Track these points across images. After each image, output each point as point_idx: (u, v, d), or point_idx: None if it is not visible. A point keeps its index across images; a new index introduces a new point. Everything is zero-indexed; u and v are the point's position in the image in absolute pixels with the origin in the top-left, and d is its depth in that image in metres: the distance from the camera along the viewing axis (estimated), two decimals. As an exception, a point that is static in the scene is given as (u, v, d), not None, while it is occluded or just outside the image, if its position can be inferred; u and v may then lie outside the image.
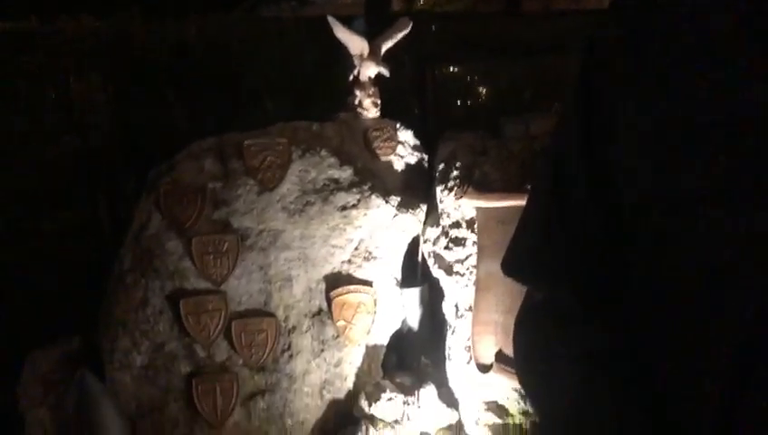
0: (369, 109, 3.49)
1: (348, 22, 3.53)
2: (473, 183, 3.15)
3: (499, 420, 3.01)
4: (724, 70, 0.66)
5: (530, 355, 0.92)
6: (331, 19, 3.33)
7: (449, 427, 3.19)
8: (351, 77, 3.50)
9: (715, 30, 0.68)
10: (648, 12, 0.76)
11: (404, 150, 3.55)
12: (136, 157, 3.57)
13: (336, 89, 4.37)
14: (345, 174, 3.30)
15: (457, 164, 3.24)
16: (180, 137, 3.31)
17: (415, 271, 3.67)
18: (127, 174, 3.52)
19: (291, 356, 3.20)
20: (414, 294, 3.57)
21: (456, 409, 3.22)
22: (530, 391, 0.93)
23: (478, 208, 3.12)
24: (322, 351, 3.26)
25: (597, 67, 0.79)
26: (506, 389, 3.02)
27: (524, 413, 2.99)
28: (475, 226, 3.14)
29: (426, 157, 3.61)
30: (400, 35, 3.47)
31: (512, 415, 3.01)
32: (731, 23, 0.67)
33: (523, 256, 0.96)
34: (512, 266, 0.96)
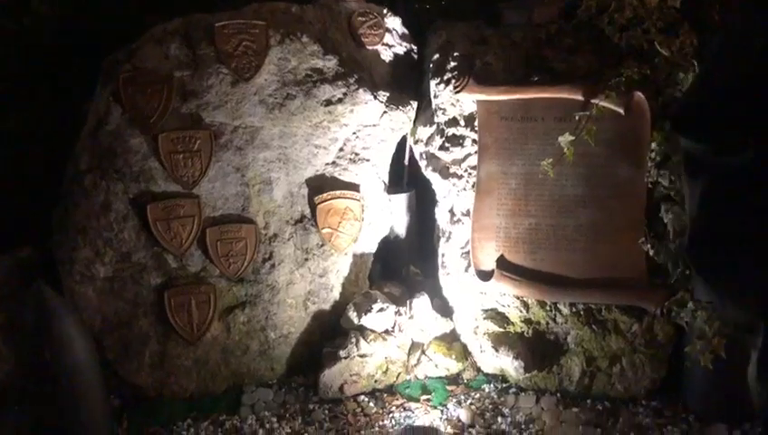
0: (354, -9, 3.14)
1: None
2: (473, 75, 2.88)
3: (499, 329, 2.88)
4: None
5: None
6: None
7: (443, 336, 3.06)
8: (333, -47, 3.13)
9: None
10: None
11: (392, 39, 3.24)
12: (89, 43, 3.14)
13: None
14: (329, 64, 2.98)
15: (455, 54, 2.96)
16: (139, 18, 2.91)
17: (401, 175, 3.45)
18: (80, 63, 3.10)
19: (272, 266, 2.98)
20: (401, 200, 3.36)
21: (450, 318, 3.08)
22: None
23: (479, 102, 2.88)
24: (306, 260, 3.04)
25: None
26: (508, 296, 2.88)
27: (526, 321, 2.87)
28: (476, 122, 2.90)
29: (415, 48, 3.31)
30: None
31: (513, 323, 2.88)
32: None
33: None
34: None
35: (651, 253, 2.71)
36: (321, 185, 3.04)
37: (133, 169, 2.75)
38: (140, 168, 2.75)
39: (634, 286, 2.74)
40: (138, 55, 2.76)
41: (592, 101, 2.75)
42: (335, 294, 3.12)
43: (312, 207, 3.02)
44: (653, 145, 2.74)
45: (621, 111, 2.75)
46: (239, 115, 2.86)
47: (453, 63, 2.96)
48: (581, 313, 2.82)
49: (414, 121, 3.21)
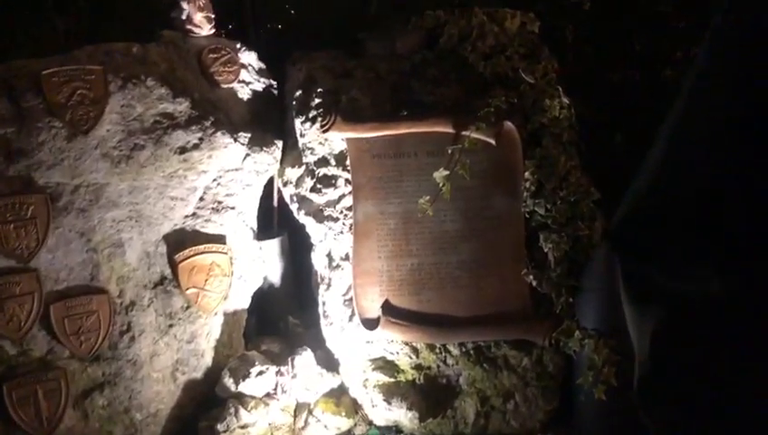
0: (202, 25, 2.93)
1: None
2: (339, 112, 2.76)
3: (390, 379, 2.76)
4: None
5: None
6: None
7: (331, 392, 2.89)
8: (175, -16, 2.89)
9: None
10: None
11: (249, 76, 3.05)
12: None
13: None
14: (180, 107, 2.74)
15: (318, 90, 2.82)
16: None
17: (271, 219, 3.25)
18: None
19: (132, 338, 2.67)
20: (273, 245, 3.16)
21: (337, 372, 2.92)
22: None
23: (349, 141, 2.76)
24: (171, 326, 2.77)
25: None
26: (396, 343, 2.77)
27: (417, 367, 2.77)
28: (347, 161, 2.77)
29: (275, 83, 3.14)
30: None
31: (403, 371, 2.77)
32: None
33: None
34: None
35: (534, 283, 2.70)
36: (181, 240, 2.78)
37: (-49, 245, 2.36)
38: (-40, 243, 2.37)
39: (520, 319, 2.73)
40: (-53, 111, 2.38)
41: (463, 133, 2.72)
42: (207, 360, 2.86)
43: (173, 266, 2.75)
44: (526, 174, 2.75)
45: (492, 141, 2.74)
46: (79, 173, 2.54)
47: (317, 100, 2.82)
48: (471, 352, 2.76)
49: (281, 162, 3.03)
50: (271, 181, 3.13)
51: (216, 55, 2.93)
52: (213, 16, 2.96)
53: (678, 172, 0.80)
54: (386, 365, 2.79)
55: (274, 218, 3.25)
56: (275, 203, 3.22)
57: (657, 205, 0.82)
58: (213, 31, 2.97)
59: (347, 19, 4.33)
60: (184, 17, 2.90)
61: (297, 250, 3.24)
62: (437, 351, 2.78)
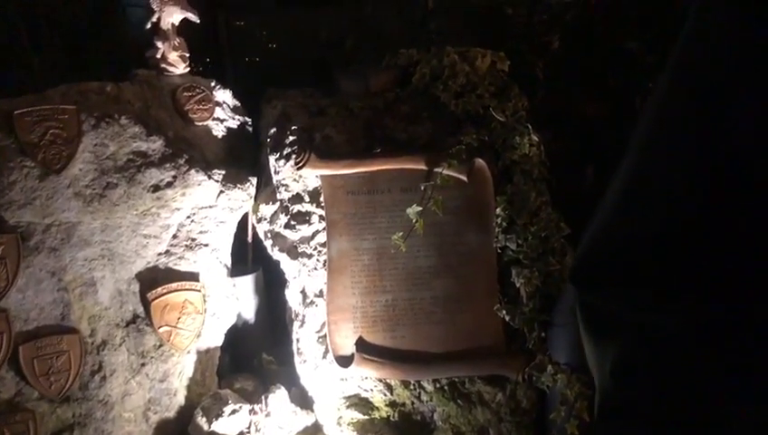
0: (177, 64, 2.97)
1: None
2: (314, 149, 2.80)
3: (364, 416, 2.77)
4: None
5: None
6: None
7: (305, 430, 2.89)
8: (150, 25, 2.94)
9: None
10: None
11: (223, 113, 3.10)
12: None
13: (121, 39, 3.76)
14: (154, 146, 2.77)
15: (292, 127, 2.87)
16: None
17: (245, 255, 3.27)
18: None
19: (103, 378, 2.66)
20: (247, 282, 3.18)
21: (311, 409, 2.92)
22: None
23: (323, 178, 2.80)
24: (143, 365, 2.76)
25: None
26: (370, 380, 2.78)
27: (391, 404, 2.78)
28: (321, 198, 2.81)
29: (249, 120, 3.18)
30: (209, -27, 2.97)
31: (378, 408, 2.79)
32: None
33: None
34: None
35: (507, 319, 2.75)
36: (154, 278, 2.79)
37: None
38: (-72, 284, 2.36)
39: (495, 354, 2.76)
40: None
41: (436, 169, 2.78)
42: (180, 398, 2.86)
43: (146, 304, 2.76)
44: (498, 210, 2.81)
45: (464, 178, 2.80)
46: (51, 212, 2.55)
47: (291, 138, 2.86)
48: (446, 388, 2.79)
49: (255, 198, 3.06)
50: (245, 217, 3.16)
51: (190, 93, 2.98)
52: (187, 55, 3.01)
53: (637, 204, 0.81)
54: (360, 402, 2.81)
55: (249, 254, 3.27)
56: (250, 239, 3.25)
57: (615, 237, 0.83)
58: (188, 69, 3.02)
59: (323, 55, 4.41)
60: (159, 56, 2.94)
61: (271, 286, 3.26)
62: (412, 387, 2.80)
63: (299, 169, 2.80)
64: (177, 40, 2.97)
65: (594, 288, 0.84)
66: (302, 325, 2.89)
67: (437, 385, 2.79)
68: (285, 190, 2.88)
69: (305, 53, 4.72)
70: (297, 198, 2.87)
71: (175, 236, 2.86)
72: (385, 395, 2.79)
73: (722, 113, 0.74)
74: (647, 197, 0.81)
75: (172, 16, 2.93)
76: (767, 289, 0.73)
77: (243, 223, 3.17)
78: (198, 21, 2.97)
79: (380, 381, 2.79)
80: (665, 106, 0.82)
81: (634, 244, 0.81)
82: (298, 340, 2.91)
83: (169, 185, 2.79)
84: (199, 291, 2.88)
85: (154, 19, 2.93)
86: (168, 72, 2.97)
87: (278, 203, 2.92)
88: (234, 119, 3.12)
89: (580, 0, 3.81)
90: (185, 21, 3.00)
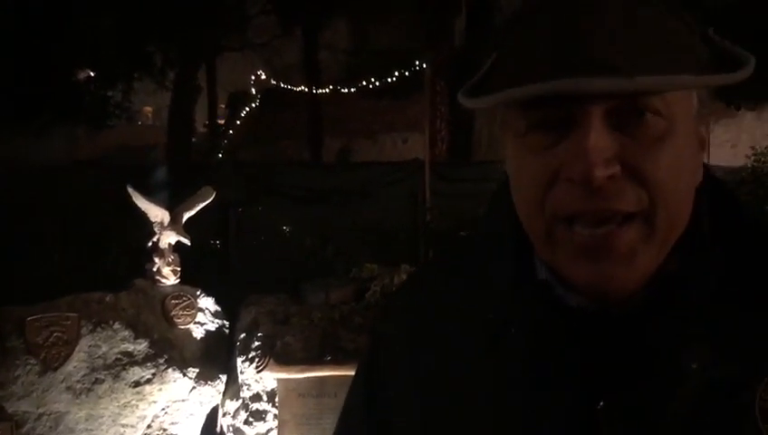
0: (169, 277, 3.62)
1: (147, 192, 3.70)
2: (274, 354, 3.35)
3: None
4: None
5: None
6: (130, 190, 3.49)
7: None
8: (151, 244, 3.63)
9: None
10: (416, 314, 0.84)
11: (204, 318, 3.69)
12: None
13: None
14: (140, 347, 3.35)
15: (258, 334, 3.44)
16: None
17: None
18: None
19: None
20: (213, 470, 3.59)
21: None
22: None
23: (279, 380, 3.32)
24: None
25: (380, 364, 0.86)
26: None
27: None
28: (276, 398, 3.31)
29: (227, 323, 3.77)
30: (202, 204, 3.70)
31: None
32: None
33: None
34: None
35: None
36: (127, 464, 3.25)
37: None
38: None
39: None
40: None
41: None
42: None
43: (117, 488, 3.19)
44: None
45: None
46: (44, 403, 3.10)
47: (256, 343, 3.42)
48: None
49: (223, 393, 3.56)
50: (215, 409, 3.64)
51: (177, 301, 3.60)
52: (179, 269, 3.66)
53: None
54: None
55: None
56: (219, 429, 3.71)
57: None
58: (178, 281, 3.67)
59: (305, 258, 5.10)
60: (155, 269, 3.61)
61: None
62: None
63: (259, 371, 3.34)
64: (172, 256, 3.65)
65: None
66: None
67: None
68: (248, 389, 3.39)
69: (293, 254, 5.43)
70: (257, 397, 3.37)
71: (149, 426, 3.35)
72: None
73: None
74: None
75: (169, 238, 3.63)
76: None
77: (213, 413, 3.65)
78: (189, 244, 3.65)
79: None
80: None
81: None
82: None
83: (149, 381, 3.33)
84: (166, 477, 3.32)
85: (155, 239, 3.63)
86: (161, 283, 3.61)
87: (241, 400, 3.42)
88: (213, 322, 3.71)
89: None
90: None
